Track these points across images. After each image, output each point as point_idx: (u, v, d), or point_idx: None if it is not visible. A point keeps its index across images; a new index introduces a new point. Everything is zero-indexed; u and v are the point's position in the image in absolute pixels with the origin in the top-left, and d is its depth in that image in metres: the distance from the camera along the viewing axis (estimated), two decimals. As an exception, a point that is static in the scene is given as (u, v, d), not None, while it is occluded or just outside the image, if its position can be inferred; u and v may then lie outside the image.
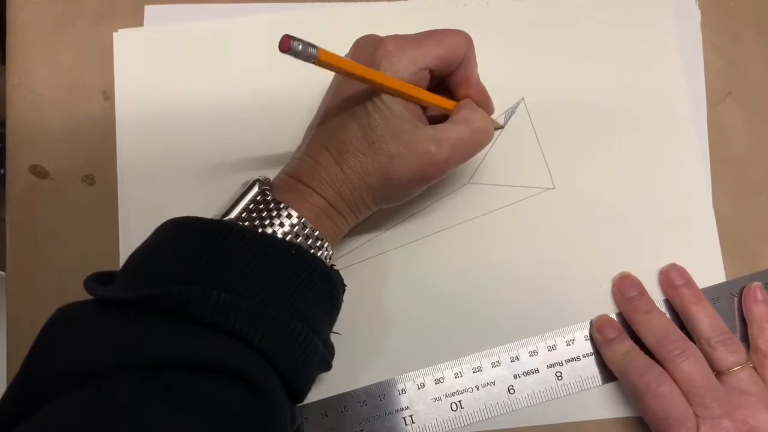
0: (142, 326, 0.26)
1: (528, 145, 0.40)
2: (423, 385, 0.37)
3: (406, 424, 0.36)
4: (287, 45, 0.25)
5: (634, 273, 0.38)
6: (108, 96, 0.40)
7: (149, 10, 0.40)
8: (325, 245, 0.31)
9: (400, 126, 0.30)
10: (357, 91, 0.31)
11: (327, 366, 0.32)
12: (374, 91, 0.30)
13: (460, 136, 0.31)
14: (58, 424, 0.23)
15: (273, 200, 0.30)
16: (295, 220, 0.30)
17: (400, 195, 0.33)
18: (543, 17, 0.41)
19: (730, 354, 0.35)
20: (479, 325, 0.38)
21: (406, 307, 0.38)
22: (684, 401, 0.33)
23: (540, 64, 0.41)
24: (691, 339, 0.36)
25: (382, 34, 0.32)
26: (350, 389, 0.36)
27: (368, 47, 0.31)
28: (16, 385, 0.25)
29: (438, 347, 0.37)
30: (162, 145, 0.39)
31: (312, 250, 0.30)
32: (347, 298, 0.32)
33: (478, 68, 0.34)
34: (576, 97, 0.40)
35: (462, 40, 0.32)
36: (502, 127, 0.40)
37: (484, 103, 0.35)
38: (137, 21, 0.40)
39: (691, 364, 0.34)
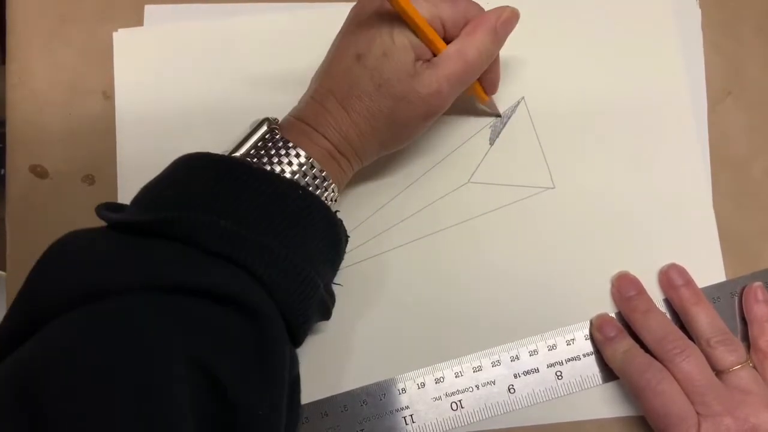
0: (149, 250, 0.26)
1: (528, 145, 0.40)
2: (423, 385, 0.37)
3: (406, 424, 0.36)
4: None
5: (634, 273, 0.38)
6: (108, 96, 0.40)
7: (149, 10, 0.40)
8: (332, 186, 0.31)
9: (406, 69, 0.31)
10: (363, 38, 0.31)
11: (327, 312, 0.32)
12: (380, 36, 0.31)
13: (458, 69, 0.32)
14: (62, 341, 0.23)
15: (282, 139, 0.30)
16: (303, 160, 0.30)
17: (405, 136, 0.34)
18: (543, 17, 0.41)
19: (729, 353, 0.35)
20: (479, 325, 0.38)
21: (406, 307, 0.38)
22: (685, 398, 0.33)
23: (540, 64, 0.41)
24: (691, 339, 0.36)
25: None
26: (350, 389, 0.36)
27: None
28: (19, 302, 0.25)
29: (438, 347, 0.37)
30: (162, 145, 0.39)
31: (319, 191, 0.31)
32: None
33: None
34: (576, 96, 0.40)
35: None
36: (499, 115, 0.40)
37: (495, 79, 0.36)
38: (137, 21, 0.40)
39: (690, 363, 0.34)
